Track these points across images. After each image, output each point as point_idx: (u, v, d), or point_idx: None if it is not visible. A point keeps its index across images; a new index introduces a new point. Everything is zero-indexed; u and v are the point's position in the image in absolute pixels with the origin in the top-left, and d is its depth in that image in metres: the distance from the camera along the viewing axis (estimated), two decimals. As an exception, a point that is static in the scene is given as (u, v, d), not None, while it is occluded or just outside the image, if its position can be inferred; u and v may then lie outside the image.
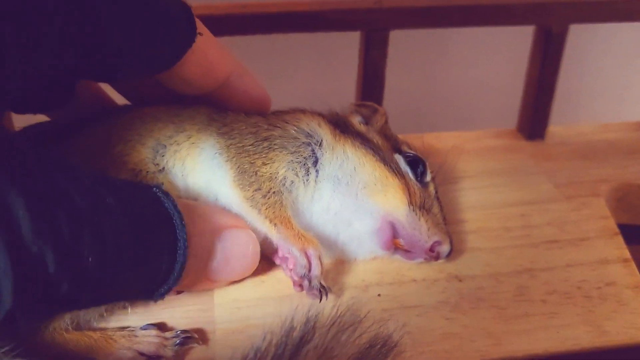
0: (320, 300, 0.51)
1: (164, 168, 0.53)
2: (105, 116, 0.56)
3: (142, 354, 0.49)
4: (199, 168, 0.54)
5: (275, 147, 0.55)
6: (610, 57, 1.10)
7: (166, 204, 0.45)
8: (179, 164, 0.53)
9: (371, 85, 0.73)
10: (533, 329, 0.51)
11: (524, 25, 0.73)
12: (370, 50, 0.71)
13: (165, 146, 0.53)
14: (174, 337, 0.49)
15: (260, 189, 0.53)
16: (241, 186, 0.53)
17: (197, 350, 0.49)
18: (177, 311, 0.52)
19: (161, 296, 0.47)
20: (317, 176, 0.55)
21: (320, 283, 0.52)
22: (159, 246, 0.44)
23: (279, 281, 0.55)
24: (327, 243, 0.56)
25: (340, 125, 0.59)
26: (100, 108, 0.59)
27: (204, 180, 0.54)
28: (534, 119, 0.76)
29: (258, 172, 0.53)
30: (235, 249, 0.51)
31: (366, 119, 0.62)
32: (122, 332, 0.49)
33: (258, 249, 0.53)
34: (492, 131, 0.79)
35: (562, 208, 0.64)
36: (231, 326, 0.51)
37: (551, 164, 0.71)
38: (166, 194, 0.46)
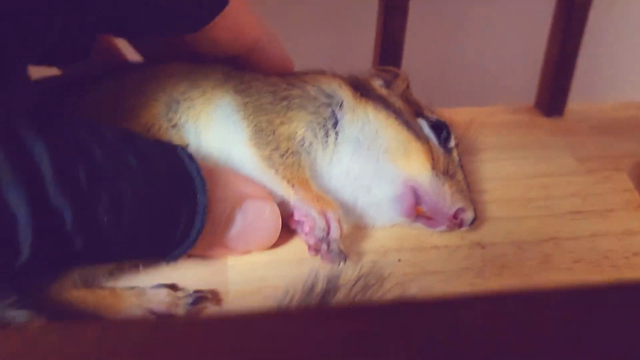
0: (338, 265, 0.49)
1: (176, 124, 0.51)
2: (117, 71, 0.54)
3: (152, 312, 0.46)
4: (213, 125, 0.52)
5: (294, 106, 0.53)
6: (636, 30, 1.06)
7: (189, 168, 0.45)
8: (192, 121, 0.51)
9: (389, 55, 0.71)
10: (559, 297, 0.49)
11: (545, -5, 0.71)
12: (389, 18, 0.69)
13: (179, 102, 0.52)
14: (187, 296, 0.47)
15: (278, 149, 0.51)
16: (258, 145, 0.51)
17: (210, 311, 0.47)
18: (189, 272, 0.50)
19: (174, 258, 0.46)
20: (336, 139, 0.53)
21: (339, 247, 0.50)
22: (177, 210, 0.43)
23: (294, 245, 0.53)
24: (345, 208, 0.54)
25: (361, 88, 0.57)
26: (113, 63, 0.57)
27: (218, 137, 0.52)
28: (552, 94, 0.74)
29: (276, 131, 0.52)
30: (256, 221, 0.50)
31: (387, 84, 0.60)
32: (132, 291, 0.47)
33: (279, 222, 0.51)
34: (508, 107, 0.77)
35: (585, 181, 0.62)
36: (245, 287, 0.49)
37: (572, 138, 0.69)
38: (190, 156, 0.45)
